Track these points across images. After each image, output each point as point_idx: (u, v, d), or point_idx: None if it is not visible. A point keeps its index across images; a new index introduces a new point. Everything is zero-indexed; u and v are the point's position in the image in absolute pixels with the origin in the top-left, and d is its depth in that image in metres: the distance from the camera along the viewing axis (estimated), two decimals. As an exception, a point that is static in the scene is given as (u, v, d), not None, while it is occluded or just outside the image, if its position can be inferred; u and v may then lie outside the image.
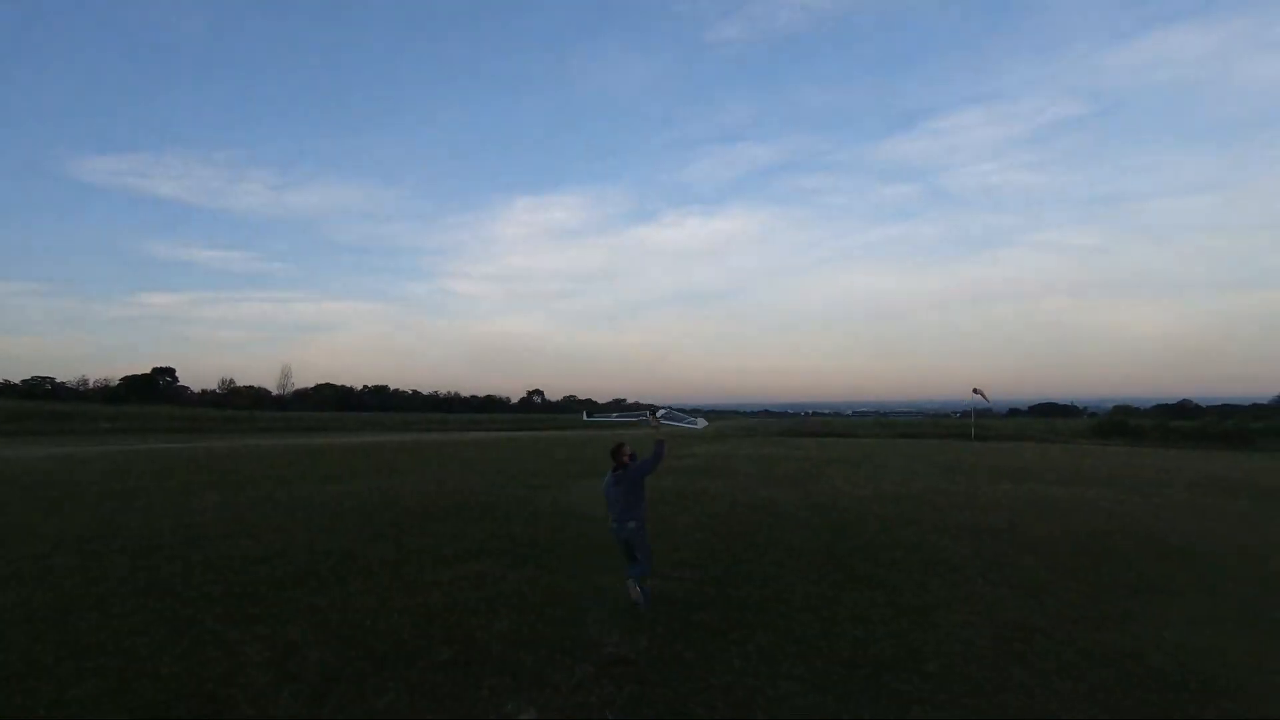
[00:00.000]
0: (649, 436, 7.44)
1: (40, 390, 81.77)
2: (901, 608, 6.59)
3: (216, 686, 4.62)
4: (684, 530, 10.35)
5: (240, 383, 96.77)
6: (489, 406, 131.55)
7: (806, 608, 6.55)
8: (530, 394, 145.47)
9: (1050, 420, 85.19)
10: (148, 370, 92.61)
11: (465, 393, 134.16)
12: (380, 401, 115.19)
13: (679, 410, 8.67)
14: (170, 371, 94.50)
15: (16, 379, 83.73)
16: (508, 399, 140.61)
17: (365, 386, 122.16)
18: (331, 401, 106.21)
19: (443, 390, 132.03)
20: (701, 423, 8.72)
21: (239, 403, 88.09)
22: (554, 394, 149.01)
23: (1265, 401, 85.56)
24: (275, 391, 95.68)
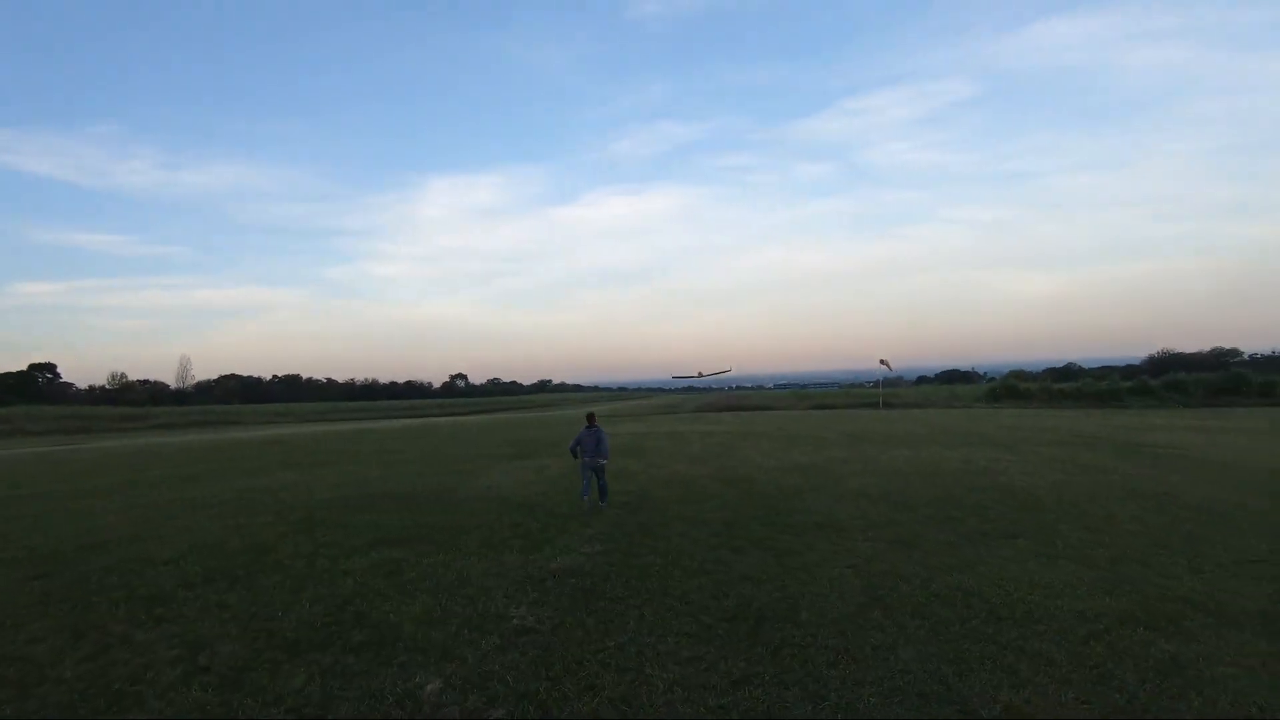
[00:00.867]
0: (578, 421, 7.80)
1: (-104, 393, 73.79)
2: (788, 566, 7.30)
3: (124, 685, 4.73)
4: (595, 507, 10.82)
5: (133, 376, 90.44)
6: (411, 392, 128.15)
7: (702, 572, 7.15)
8: (453, 378, 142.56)
9: (953, 386, 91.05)
10: (23, 367, 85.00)
11: (385, 379, 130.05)
12: (293, 392, 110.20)
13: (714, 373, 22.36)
14: (50, 368, 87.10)
15: None
16: (429, 384, 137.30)
17: (275, 376, 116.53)
18: (238, 393, 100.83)
19: (361, 377, 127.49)
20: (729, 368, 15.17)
21: (133, 398, 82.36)
22: (478, 377, 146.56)
23: (1137, 363, 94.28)
24: (174, 385, 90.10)
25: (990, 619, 5.66)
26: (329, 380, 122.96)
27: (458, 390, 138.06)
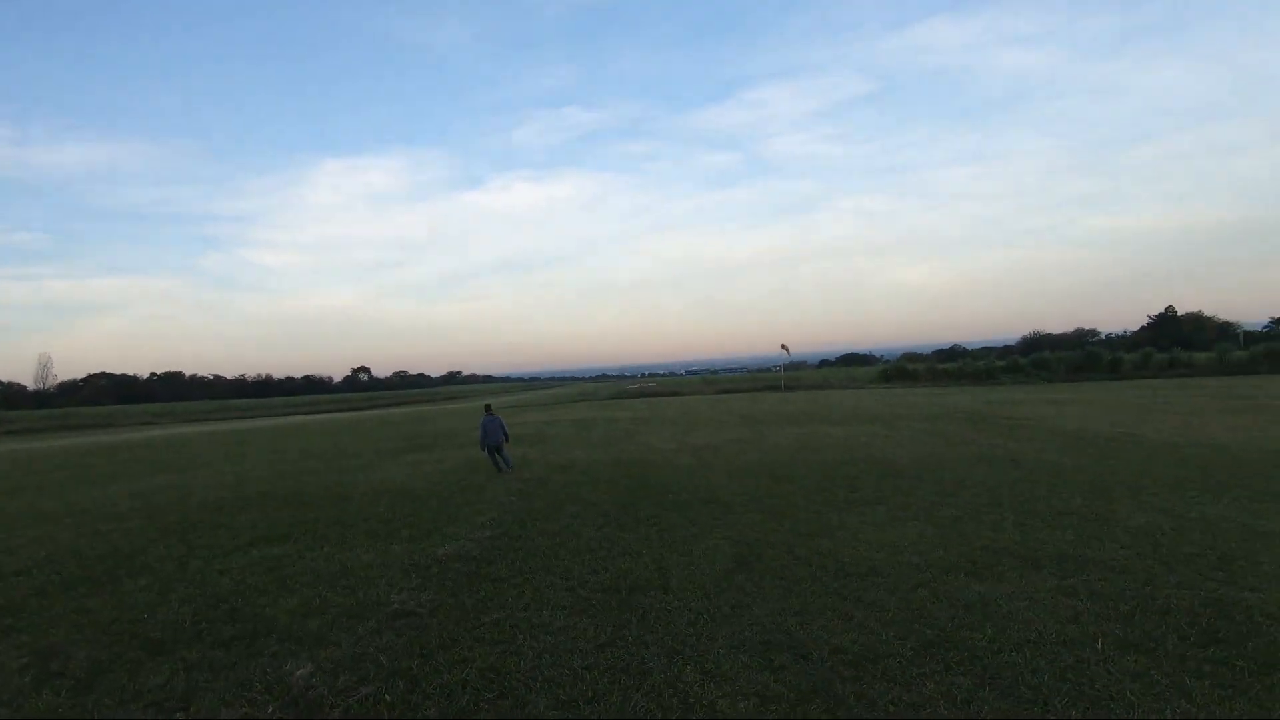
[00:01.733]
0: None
1: None
2: (668, 541, 7.73)
3: (-36, 697, 4.51)
4: (491, 497, 10.95)
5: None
6: (310, 388, 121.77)
7: (587, 550, 7.47)
8: (355, 371, 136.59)
9: (851, 369, 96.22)
10: None
11: (281, 374, 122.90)
12: (175, 391, 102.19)
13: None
14: (-122, 370, 76.68)
15: None
16: (329, 379, 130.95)
17: (153, 374, 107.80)
18: (109, 393, 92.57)
19: (253, 373, 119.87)
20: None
21: (-17, 403, 73.97)
22: (383, 370, 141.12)
23: (1013, 343, 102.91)
24: (33, 386, 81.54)
25: (839, 575, 6.29)
26: (216, 377, 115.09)
27: (361, 384, 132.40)
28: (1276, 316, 73.50)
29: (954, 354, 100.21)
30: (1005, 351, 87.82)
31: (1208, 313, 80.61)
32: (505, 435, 13.81)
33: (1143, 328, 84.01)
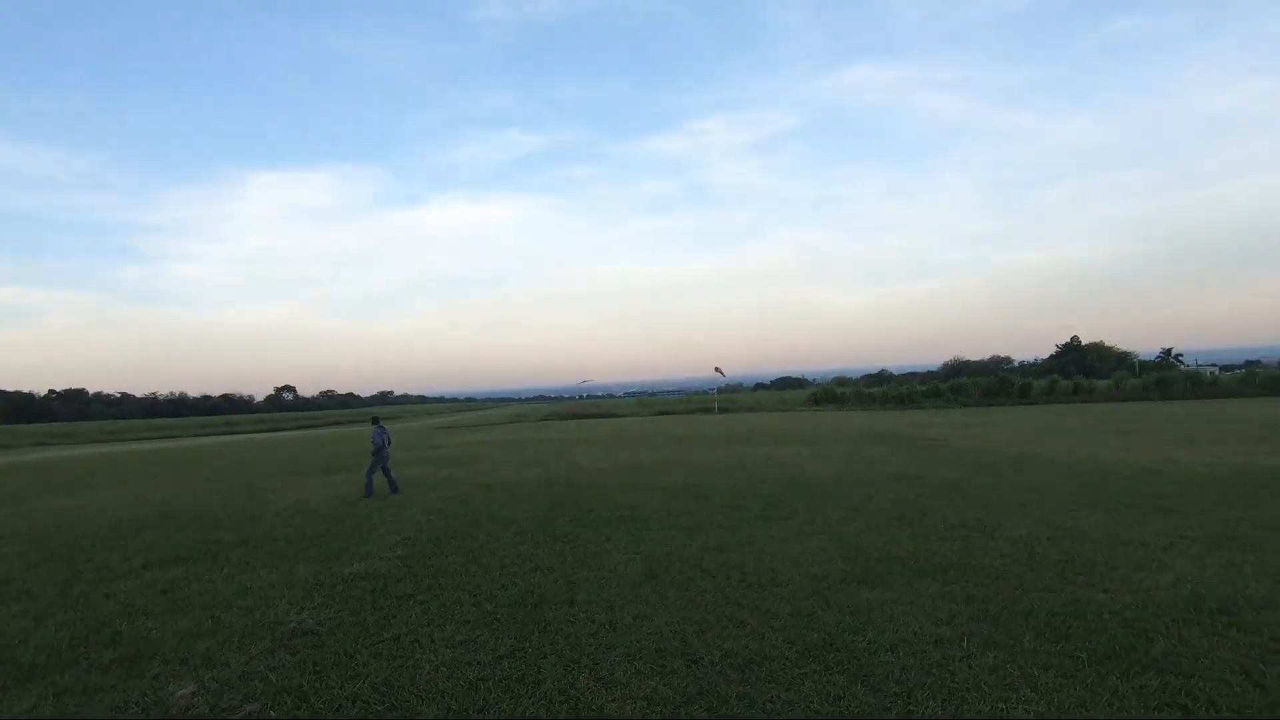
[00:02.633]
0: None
1: None
2: (581, 556, 7.82)
3: None
4: (410, 516, 10.77)
5: None
6: (228, 407, 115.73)
7: (498, 566, 7.48)
8: (279, 390, 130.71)
9: (784, 392, 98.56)
10: None
11: (196, 393, 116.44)
12: (76, 410, 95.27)
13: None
14: None
15: None
16: (251, 398, 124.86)
17: (53, 392, 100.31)
18: (2, 413, 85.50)
19: (165, 391, 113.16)
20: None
21: None
22: (309, 389, 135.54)
23: (935, 368, 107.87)
24: (-90, 404, 74.41)
25: (741, 585, 6.52)
26: (124, 395, 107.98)
27: (284, 404, 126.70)
28: (1167, 347, 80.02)
29: (881, 378, 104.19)
30: (928, 376, 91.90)
31: (1109, 343, 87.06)
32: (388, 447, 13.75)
33: (1051, 356, 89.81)
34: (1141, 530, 8.26)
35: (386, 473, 13.61)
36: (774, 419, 41.37)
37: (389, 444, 13.69)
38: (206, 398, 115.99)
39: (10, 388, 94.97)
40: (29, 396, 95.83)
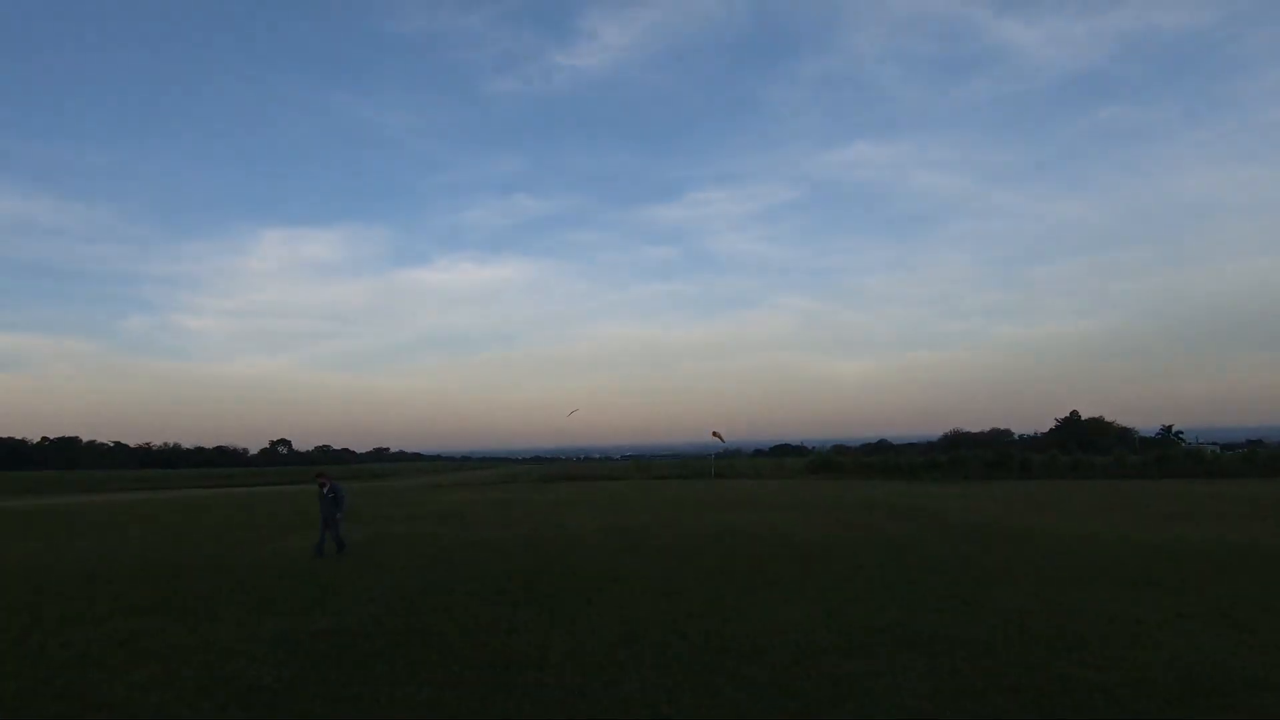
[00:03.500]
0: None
1: None
2: (556, 618, 7.59)
3: None
4: (390, 571, 10.51)
5: None
6: (222, 459, 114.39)
7: (474, 625, 7.25)
8: (274, 444, 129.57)
9: (782, 460, 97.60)
10: None
11: (190, 444, 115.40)
12: (67, 458, 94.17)
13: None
14: None
15: None
16: (245, 450, 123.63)
17: (45, 439, 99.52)
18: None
19: (159, 441, 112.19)
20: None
21: None
22: (304, 444, 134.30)
23: (934, 439, 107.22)
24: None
25: (719, 653, 6.30)
26: (116, 444, 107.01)
27: (279, 458, 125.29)
28: (1167, 424, 79.64)
29: (880, 448, 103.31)
30: (928, 448, 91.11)
31: (1108, 418, 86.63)
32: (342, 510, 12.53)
33: (1050, 430, 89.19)
34: (1137, 607, 8.03)
35: (326, 531, 12.44)
36: (770, 487, 40.83)
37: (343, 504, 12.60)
38: (200, 449, 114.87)
39: (3, 434, 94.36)
40: (20, 443, 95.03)
